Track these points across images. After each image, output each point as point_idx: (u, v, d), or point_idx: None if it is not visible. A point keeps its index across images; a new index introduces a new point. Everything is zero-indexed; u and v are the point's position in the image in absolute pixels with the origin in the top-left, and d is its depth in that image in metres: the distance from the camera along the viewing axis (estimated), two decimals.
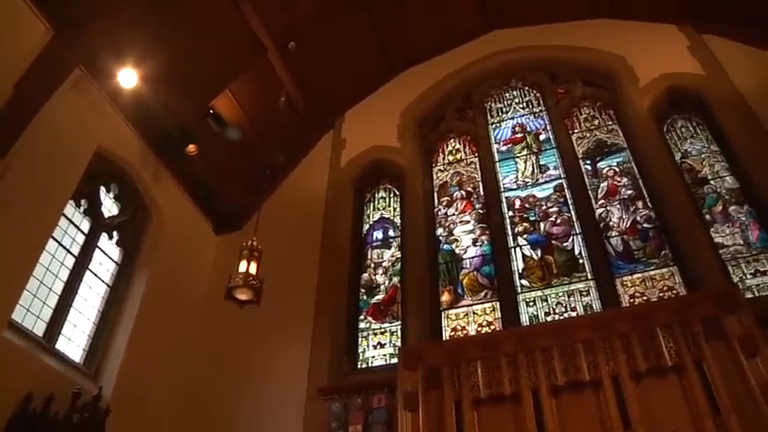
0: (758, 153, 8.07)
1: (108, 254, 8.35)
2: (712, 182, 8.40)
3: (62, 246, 7.53)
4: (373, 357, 8.32)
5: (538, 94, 10.79)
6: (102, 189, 8.46)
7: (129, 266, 8.58)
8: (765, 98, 8.45)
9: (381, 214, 10.06)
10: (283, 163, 10.46)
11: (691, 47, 9.66)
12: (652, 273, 7.87)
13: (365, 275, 9.25)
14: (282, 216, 9.77)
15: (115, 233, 8.53)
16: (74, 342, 7.49)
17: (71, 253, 7.67)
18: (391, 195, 10.24)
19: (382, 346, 8.38)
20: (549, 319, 7.90)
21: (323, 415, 7.47)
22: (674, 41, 9.84)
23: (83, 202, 8.05)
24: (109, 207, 8.54)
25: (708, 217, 8.07)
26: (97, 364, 7.63)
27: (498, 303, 8.29)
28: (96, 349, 7.73)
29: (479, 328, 8.11)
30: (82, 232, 7.93)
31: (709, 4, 9.50)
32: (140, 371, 7.83)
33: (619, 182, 8.99)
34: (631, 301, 7.70)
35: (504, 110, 10.85)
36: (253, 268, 6.95)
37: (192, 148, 8.90)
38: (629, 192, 8.82)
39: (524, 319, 7.99)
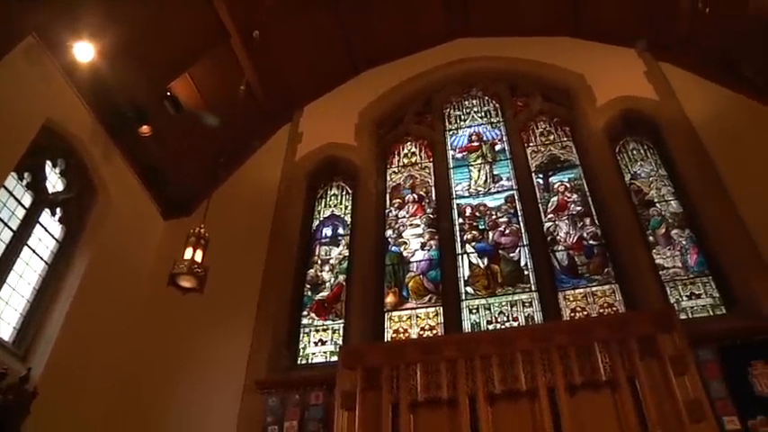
0: (703, 181, 8.33)
1: (49, 230, 8.09)
2: (658, 205, 8.63)
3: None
4: (314, 354, 8.25)
5: (497, 105, 10.91)
6: (49, 163, 8.19)
7: (71, 245, 8.32)
8: (713, 129, 8.77)
9: (332, 211, 10.01)
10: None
11: (648, 72, 9.93)
12: (594, 289, 8.03)
13: (311, 271, 9.18)
14: (233, 205, 9.64)
15: (58, 210, 8.27)
16: (4, 320, 7.22)
17: (9, 227, 7.41)
18: (343, 193, 10.21)
19: (324, 343, 8.33)
20: (490, 327, 7.97)
21: (259, 408, 7.38)
22: (632, 66, 10.11)
23: (26, 175, 7.79)
24: (54, 182, 8.26)
25: (651, 238, 8.29)
26: (28, 345, 7.36)
27: (442, 308, 8.32)
28: (28, 329, 7.45)
29: (421, 332, 8.13)
30: (23, 206, 7.67)
31: (668, 34, 9.75)
32: (73, 354, 7.59)
33: (569, 198, 9.14)
34: (572, 315, 7.84)
35: (462, 117, 10.95)
36: (198, 256, 6.82)
37: (145, 129, 8.71)
38: (578, 208, 8.98)
39: (466, 326, 8.04)
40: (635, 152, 9.41)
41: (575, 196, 9.14)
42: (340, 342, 8.17)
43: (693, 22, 9.13)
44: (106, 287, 8.37)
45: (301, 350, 8.32)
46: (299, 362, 8.21)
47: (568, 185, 9.31)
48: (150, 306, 8.83)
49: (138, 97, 8.61)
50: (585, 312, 7.81)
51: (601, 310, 7.78)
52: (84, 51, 7.69)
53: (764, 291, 7.02)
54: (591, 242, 8.55)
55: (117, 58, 8.03)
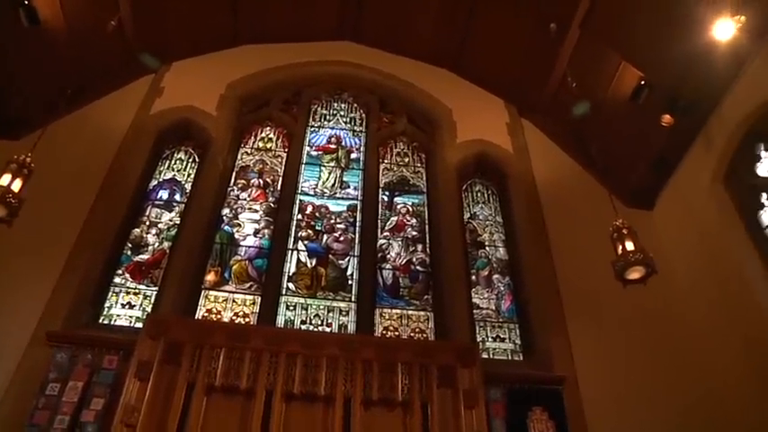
0: (531, 236, 8.92)
1: None
2: (487, 248, 9.09)
3: None
4: (118, 316, 7.67)
5: (363, 115, 10.99)
6: None
7: None
8: (552, 191, 9.50)
9: (174, 176, 9.44)
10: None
11: (509, 124, 10.56)
12: (410, 312, 8.24)
13: (137, 231, 8.58)
14: (69, 142, 8.78)
15: None
16: None
17: None
18: (190, 160, 9.71)
19: (132, 306, 7.79)
20: (303, 327, 7.90)
21: (43, 362, 6.58)
22: (497, 113, 10.71)
23: None
24: None
25: (474, 278, 8.69)
26: None
27: (260, 298, 8.13)
28: None
29: (235, 317, 7.88)
30: None
31: (536, 96, 10.41)
32: None
33: (408, 221, 9.36)
34: (384, 332, 7.97)
35: (327, 117, 10.91)
36: (16, 185, 6.26)
37: None
38: (414, 233, 9.21)
39: (280, 321, 7.91)
40: (479, 194, 9.89)
41: (414, 221, 9.37)
42: (149, 309, 7.70)
43: (560, 91, 9.80)
44: None
45: (106, 309, 7.71)
46: (100, 321, 7.58)
47: (410, 209, 9.54)
48: None
49: None
50: (397, 333, 7.98)
51: (412, 334, 7.99)
52: None
53: (559, 348, 7.64)
54: (418, 268, 8.78)
55: None
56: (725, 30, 6.34)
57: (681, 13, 7.34)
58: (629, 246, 6.47)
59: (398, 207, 9.56)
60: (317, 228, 9.12)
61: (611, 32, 8.72)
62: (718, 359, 7.68)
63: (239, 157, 9.98)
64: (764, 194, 7.60)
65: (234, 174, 9.69)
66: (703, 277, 8.18)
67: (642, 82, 8.33)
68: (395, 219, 9.38)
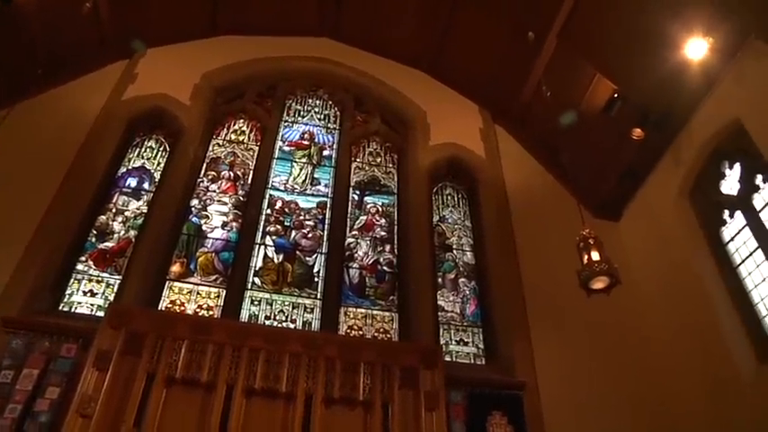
0: (500, 242, 9.00)
1: None
2: (455, 251, 9.14)
3: None
4: (79, 303, 7.51)
5: (338, 113, 10.97)
6: None
7: None
8: (522, 199, 9.58)
9: (144, 164, 9.28)
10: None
11: (482, 130, 10.62)
12: (375, 312, 8.26)
13: (102, 218, 8.42)
14: (37, 125, 8.57)
15: None
16: None
17: None
18: (161, 149, 9.56)
19: (94, 294, 7.64)
20: (267, 322, 7.87)
21: None
22: (471, 118, 10.77)
23: None
24: None
25: (440, 280, 8.72)
26: None
27: (225, 292, 8.07)
28: None
29: (198, 310, 7.80)
30: None
31: (510, 103, 10.51)
32: None
33: (377, 221, 9.36)
34: (348, 331, 7.97)
35: (301, 113, 10.86)
36: None
37: None
38: (383, 233, 9.23)
39: (244, 316, 7.87)
40: (449, 197, 9.94)
41: (383, 221, 9.38)
42: (112, 298, 7.55)
43: (534, 100, 9.90)
44: None
45: (67, 296, 7.55)
46: (60, 308, 7.41)
47: (380, 209, 9.55)
48: None
49: None
50: (361, 332, 7.99)
51: (376, 334, 8.01)
52: None
53: (521, 354, 7.73)
54: (385, 268, 8.80)
55: None
56: (697, 49, 6.47)
57: (656, 30, 7.46)
58: (595, 256, 6.52)
59: (368, 207, 9.56)
60: (285, 223, 9.08)
61: (587, 44, 8.82)
62: (678, 370, 7.82)
63: (211, 148, 9.87)
64: (727, 211, 7.78)
65: (204, 165, 9.59)
66: (665, 289, 8.34)
67: (615, 95, 8.47)
68: (364, 218, 9.38)
